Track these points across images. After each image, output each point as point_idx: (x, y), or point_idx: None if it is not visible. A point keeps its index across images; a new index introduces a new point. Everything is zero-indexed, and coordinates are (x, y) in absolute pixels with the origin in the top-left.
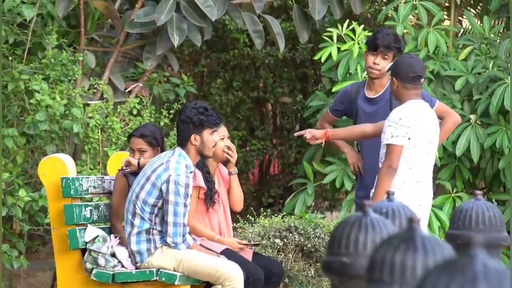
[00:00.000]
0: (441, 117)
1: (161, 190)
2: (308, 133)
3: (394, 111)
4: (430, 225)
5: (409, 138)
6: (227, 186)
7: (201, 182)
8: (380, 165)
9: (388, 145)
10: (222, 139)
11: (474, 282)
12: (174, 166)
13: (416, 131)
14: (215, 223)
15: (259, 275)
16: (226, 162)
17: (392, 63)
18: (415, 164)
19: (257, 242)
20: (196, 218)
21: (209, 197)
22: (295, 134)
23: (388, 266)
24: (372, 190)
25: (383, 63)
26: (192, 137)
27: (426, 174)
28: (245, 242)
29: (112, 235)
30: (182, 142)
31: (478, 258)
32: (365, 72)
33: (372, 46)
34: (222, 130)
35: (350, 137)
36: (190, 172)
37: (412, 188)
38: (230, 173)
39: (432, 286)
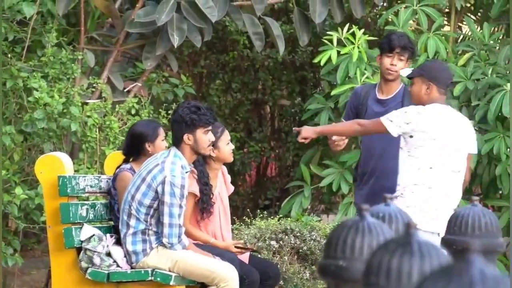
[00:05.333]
0: None
1: (156, 191)
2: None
3: (412, 106)
4: None
5: (403, 133)
6: (230, 190)
7: (195, 189)
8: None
9: (381, 119)
10: (228, 144)
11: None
12: (170, 167)
13: (417, 129)
14: (210, 232)
15: (255, 276)
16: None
17: (413, 67)
18: (425, 166)
19: (255, 249)
20: (192, 224)
21: (202, 210)
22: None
23: (385, 270)
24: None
25: (400, 64)
26: (185, 136)
27: (443, 178)
28: (242, 245)
29: (108, 235)
30: (176, 142)
31: (475, 264)
32: (364, 76)
33: (388, 47)
34: (226, 135)
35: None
36: (186, 172)
37: (422, 191)
38: None
39: None
